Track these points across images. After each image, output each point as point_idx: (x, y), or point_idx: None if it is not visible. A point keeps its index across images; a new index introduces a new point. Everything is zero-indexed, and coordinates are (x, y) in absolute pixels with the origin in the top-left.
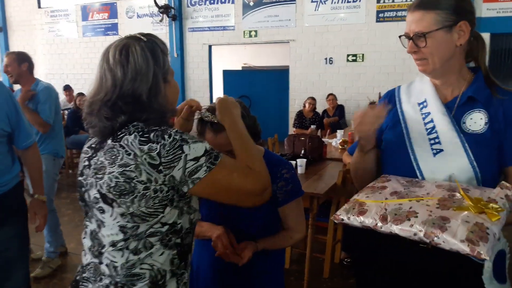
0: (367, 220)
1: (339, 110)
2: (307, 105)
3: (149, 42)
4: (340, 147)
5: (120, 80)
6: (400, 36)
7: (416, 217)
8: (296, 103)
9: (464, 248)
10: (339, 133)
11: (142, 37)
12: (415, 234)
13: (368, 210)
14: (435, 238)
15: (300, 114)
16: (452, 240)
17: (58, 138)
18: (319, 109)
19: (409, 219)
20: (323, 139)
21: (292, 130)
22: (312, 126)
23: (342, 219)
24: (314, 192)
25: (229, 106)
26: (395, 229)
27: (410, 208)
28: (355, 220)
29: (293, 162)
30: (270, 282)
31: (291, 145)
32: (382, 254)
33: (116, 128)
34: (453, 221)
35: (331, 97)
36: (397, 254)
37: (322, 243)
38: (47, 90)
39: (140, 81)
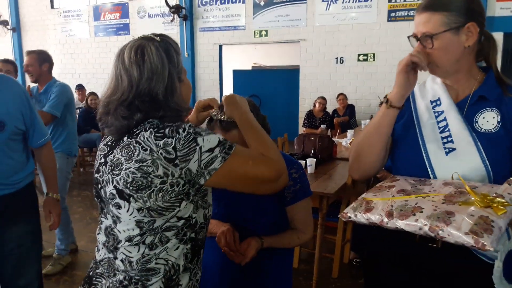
0: (373, 217)
1: (350, 109)
2: (317, 104)
3: (163, 42)
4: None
5: (136, 80)
6: (408, 37)
7: (422, 212)
8: (306, 103)
9: (469, 240)
10: (350, 133)
11: (155, 37)
12: (420, 229)
13: (375, 207)
14: (440, 232)
15: (310, 114)
16: (457, 233)
17: (72, 137)
18: (330, 109)
19: (414, 214)
20: (333, 139)
21: (302, 130)
22: (322, 126)
23: (350, 217)
24: (323, 192)
25: (236, 101)
26: (401, 224)
27: (416, 204)
28: (362, 217)
29: (303, 162)
30: (278, 281)
31: (301, 144)
32: (391, 255)
33: (132, 126)
34: (458, 215)
35: (341, 96)
36: (406, 255)
37: (331, 243)
38: (62, 86)
39: (156, 81)
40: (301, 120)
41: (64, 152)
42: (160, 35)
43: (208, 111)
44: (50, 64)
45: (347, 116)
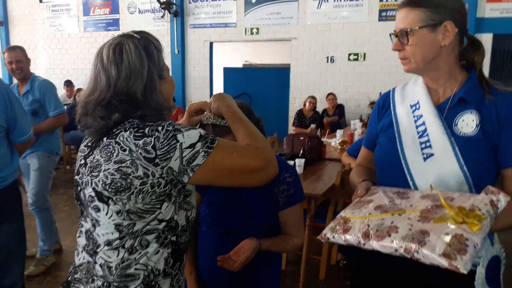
0: (351, 238)
1: (339, 109)
2: (307, 104)
3: (143, 39)
4: (340, 147)
5: (114, 79)
6: (390, 34)
7: (397, 232)
8: (296, 102)
9: (443, 263)
10: (339, 133)
11: (135, 35)
12: (396, 250)
13: (352, 228)
14: (415, 254)
15: (300, 113)
16: (431, 254)
17: (53, 135)
18: (320, 108)
19: (390, 235)
20: (322, 139)
21: (292, 129)
22: (312, 125)
23: (328, 238)
24: (312, 193)
25: (223, 97)
26: (377, 246)
27: (392, 222)
28: (340, 239)
29: (292, 162)
30: (267, 284)
31: (290, 144)
32: (378, 257)
33: (111, 126)
34: (432, 234)
35: (331, 96)
36: (392, 258)
37: (319, 245)
38: (48, 83)
39: (135, 79)
40: (291, 119)
41: (45, 151)
42: (140, 32)
43: (200, 116)
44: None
45: (336, 116)
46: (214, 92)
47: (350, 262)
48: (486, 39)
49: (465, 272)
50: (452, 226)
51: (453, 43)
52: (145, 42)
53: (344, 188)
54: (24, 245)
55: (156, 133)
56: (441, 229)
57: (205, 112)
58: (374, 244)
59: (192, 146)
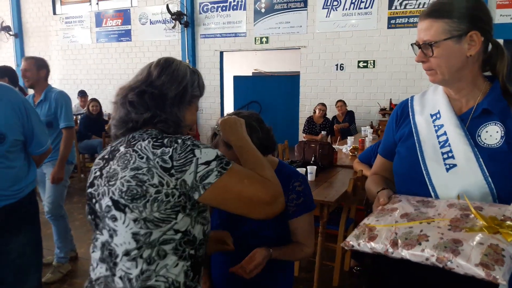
0: (378, 246)
1: (349, 116)
2: (317, 111)
3: (194, 70)
4: (351, 154)
5: (153, 77)
6: (412, 44)
7: (427, 240)
8: (306, 109)
9: (480, 273)
10: (350, 139)
11: (190, 66)
12: (427, 259)
13: (378, 235)
14: (448, 263)
15: (310, 120)
16: (467, 264)
17: None
18: (330, 115)
19: (420, 243)
20: (333, 146)
21: (302, 136)
22: (323, 132)
23: (353, 246)
24: (324, 200)
25: (232, 125)
26: (406, 254)
27: (421, 231)
28: (366, 246)
29: (303, 169)
30: None
31: (301, 151)
32: (394, 261)
33: (140, 123)
34: (466, 243)
35: (340, 103)
36: (409, 262)
37: (332, 251)
38: (63, 95)
39: (171, 83)
40: (301, 126)
41: None
42: (194, 68)
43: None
44: (47, 70)
45: (347, 123)
46: (225, 101)
47: (364, 268)
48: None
49: (504, 282)
50: (485, 236)
51: (478, 52)
52: (194, 72)
53: (357, 195)
54: (41, 254)
55: (175, 145)
56: (474, 238)
57: (216, 125)
58: (403, 253)
59: (207, 163)
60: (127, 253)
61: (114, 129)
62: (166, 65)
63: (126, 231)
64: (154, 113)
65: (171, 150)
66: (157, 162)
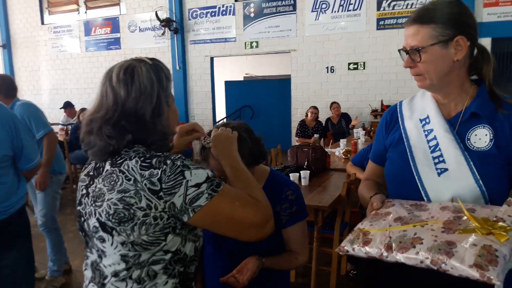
0: (372, 250)
1: (345, 118)
2: (309, 114)
3: (154, 66)
4: (344, 157)
5: (122, 99)
6: (399, 50)
7: (422, 243)
8: (298, 113)
9: (474, 274)
10: (342, 142)
11: (147, 60)
12: (421, 262)
13: (373, 240)
14: (443, 265)
15: (302, 124)
16: (461, 266)
17: (55, 155)
18: (323, 118)
19: (414, 246)
20: (326, 149)
21: (295, 140)
22: (316, 135)
23: (347, 251)
24: (318, 205)
25: (224, 142)
26: (401, 258)
27: (415, 234)
28: (360, 251)
29: (297, 174)
30: None
31: (294, 156)
32: (390, 264)
33: (122, 147)
34: (459, 245)
35: (335, 105)
36: (405, 265)
37: (328, 255)
38: (25, 107)
39: (144, 101)
40: (293, 130)
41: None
42: (152, 59)
43: (192, 136)
44: (0, 90)
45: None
46: (217, 107)
47: (361, 272)
48: (485, 44)
49: (499, 283)
50: (479, 237)
51: (465, 56)
52: (156, 68)
53: (351, 198)
54: (33, 269)
55: (164, 166)
56: (468, 240)
57: (205, 137)
58: (398, 256)
59: (197, 185)
60: (116, 274)
61: (95, 158)
62: (129, 78)
63: (114, 253)
64: (137, 136)
65: (159, 172)
66: (145, 184)
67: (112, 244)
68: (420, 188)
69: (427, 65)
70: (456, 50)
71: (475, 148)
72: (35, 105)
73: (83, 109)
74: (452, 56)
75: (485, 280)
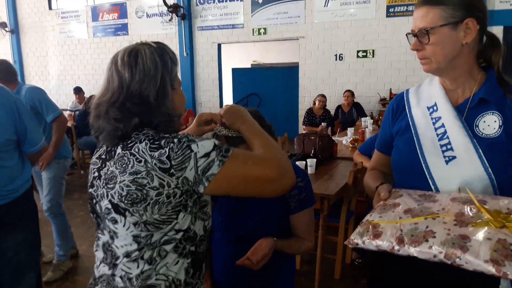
0: (383, 244)
1: (356, 108)
2: (317, 102)
3: (159, 49)
4: (351, 145)
5: (127, 81)
6: (407, 34)
7: (434, 237)
8: (306, 101)
9: (490, 269)
10: (350, 131)
11: (152, 43)
12: (435, 256)
13: (383, 233)
14: (457, 260)
15: (310, 112)
16: (476, 260)
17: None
18: (332, 106)
19: (427, 240)
20: (333, 138)
21: (302, 128)
22: (323, 124)
23: (357, 244)
24: (324, 193)
25: (236, 112)
26: (413, 251)
27: (427, 227)
28: (370, 244)
29: (303, 162)
30: (282, 286)
31: (301, 144)
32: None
33: (130, 131)
34: (473, 239)
35: (347, 93)
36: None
37: (333, 243)
38: (34, 91)
39: (148, 83)
40: (301, 118)
41: (54, 157)
42: (157, 43)
43: (210, 126)
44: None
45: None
46: (224, 94)
47: (366, 260)
48: (497, 32)
49: None
50: (492, 231)
51: (474, 41)
52: (161, 51)
53: (357, 187)
54: (38, 253)
55: (171, 144)
56: (481, 233)
57: (217, 125)
58: (410, 250)
59: (206, 155)
60: (127, 255)
61: (105, 142)
62: (133, 61)
63: (126, 234)
64: (142, 119)
65: (167, 150)
66: (155, 164)
67: (124, 225)
68: (428, 177)
69: (435, 47)
70: (465, 33)
71: (483, 135)
72: (43, 89)
73: (92, 96)
74: (461, 39)
75: (501, 275)
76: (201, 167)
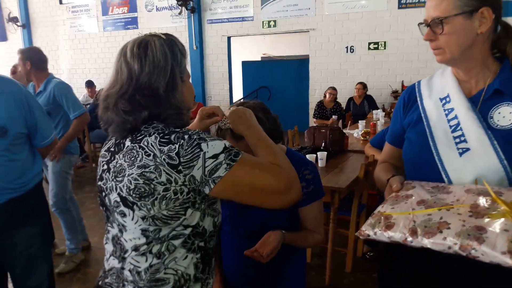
0: (396, 235)
1: (368, 101)
2: (327, 95)
3: (168, 40)
4: (362, 138)
5: (136, 73)
6: (419, 24)
7: (449, 228)
8: (316, 93)
9: (507, 261)
10: (361, 124)
11: (161, 35)
12: (449, 248)
13: (396, 224)
14: (472, 251)
15: (320, 105)
16: (492, 252)
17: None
18: (343, 98)
19: (441, 231)
20: (344, 131)
21: (312, 121)
22: (334, 117)
23: (368, 235)
24: (335, 186)
25: (242, 115)
26: (427, 243)
27: (441, 218)
28: (382, 235)
29: (314, 155)
30: (292, 279)
31: (311, 137)
32: (407, 248)
33: (139, 124)
34: (490, 230)
35: (359, 85)
36: (423, 250)
37: (344, 237)
38: (61, 87)
39: (158, 75)
40: (311, 111)
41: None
42: (167, 34)
43: (212, 119)
44: (33, 61)
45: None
46: (234, 87)
47: (377, 254)
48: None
49: None
50: (509, 222)
51: (489, 30)
52: (170, 43)
53: (368, 180)
54: (50, 246)
55: (181, 140)
56: (498, 225)
57: (221, 118)
58: (424, 241)
59: (215, 156)
60: (136, 248)
61: (114, 135)
62: (143, 53)
63: (135, 227)
64: (152, 111)
65: (177, 146)
66: (164, 159)
67: (133, 219)
68: (441, 169)
69: (449, 37)
70: (480, 22)
71: (498, 126)
72: (70, 86)
73: (101, 90)
74: (476, 28)
75: None
76: (209, 168)
